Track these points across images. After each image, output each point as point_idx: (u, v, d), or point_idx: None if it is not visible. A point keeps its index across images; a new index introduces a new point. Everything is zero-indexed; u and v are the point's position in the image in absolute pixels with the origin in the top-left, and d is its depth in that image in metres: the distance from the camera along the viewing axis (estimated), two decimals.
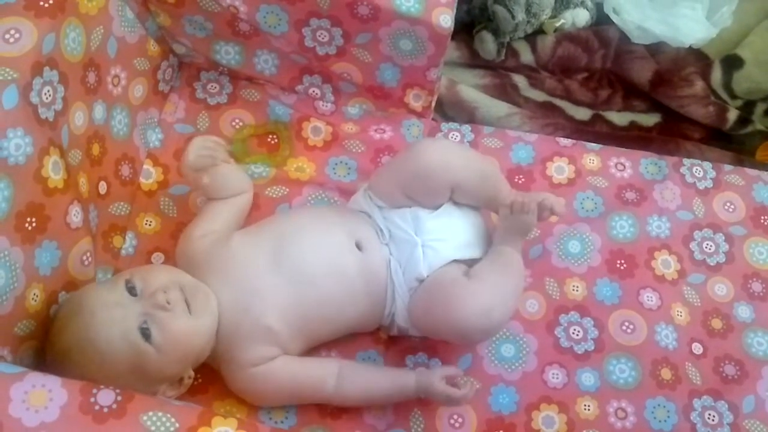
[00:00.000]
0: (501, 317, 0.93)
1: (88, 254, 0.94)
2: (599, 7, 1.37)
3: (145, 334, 0.84)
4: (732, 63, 1.33)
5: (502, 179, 1.05)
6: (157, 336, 0.84)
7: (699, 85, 1.31)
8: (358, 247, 0.98)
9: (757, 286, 1.09)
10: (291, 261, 0.94)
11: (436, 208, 1.00)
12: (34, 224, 0.83)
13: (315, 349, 0.99)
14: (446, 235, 0.99)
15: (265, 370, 0.92)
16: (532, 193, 1.08)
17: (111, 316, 0.84)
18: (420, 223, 0.99)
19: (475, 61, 1.34)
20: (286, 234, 0.97)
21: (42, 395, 0.64)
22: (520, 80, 1.34)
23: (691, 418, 0.99)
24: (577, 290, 1.07)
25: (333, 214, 1.03)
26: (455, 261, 0.98)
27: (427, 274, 0.96)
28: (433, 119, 1.21)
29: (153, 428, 0.63)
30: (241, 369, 0.92)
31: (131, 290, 0.87)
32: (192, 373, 0.92)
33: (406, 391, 0.94)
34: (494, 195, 1.02)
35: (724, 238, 1.13)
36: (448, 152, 1.00)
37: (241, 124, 1.18)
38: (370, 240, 0.99)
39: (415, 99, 1.17)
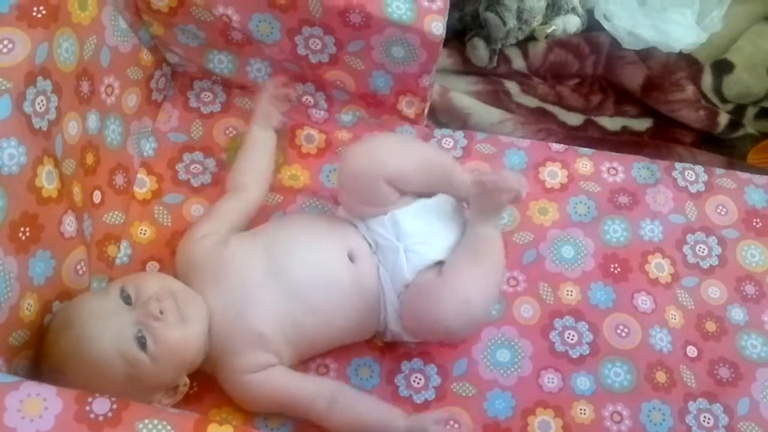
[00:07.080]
0: (481, 305, 0.92)
1: (83, 263, 0.94)
2: (590, 14, 1.38)
3: (141, 343, 0.84)
4: (722, 67, 1.34)
5: (450, 164, 1.03)
6: (152, 345, 0.84)
7: (690, 90, 1.32)
8: (351, 258, 0.98)
9: (750, 289, 1.10)
10: (284, 273, 0.94)
11: (406, 204, 0.99)
12: (27, 234, 0.83)
13: (310, 358, 0.99)
14: (427, 237, 0.98)
15: (260, 378, 0.92)
16: (496, 172, 1.04)
17: (105, 325, 0.84)
18: (399, 228, 0.98)
19: (467, 68, 1.34)
20: (279, 245, 0.97)
21: (37, 404, 0.64)
22: (512, 86, 1.34)
23: (687, 420, 1.00)
24: (571, 295, 1.07)
25: (326, 224, 1.02)
26: (438, 262, 0.97)
27: (413, 278, 0.96)
28: (426, 126, 1.21)
29: None
30: (236, 374, 0.92)
31: (126, 299, 0.87)
32: (187, 381, 0.92)
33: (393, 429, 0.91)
34: (443, 181, 1.00)
35: (716, 241, 1.13)
36: (373, 148, 1.00)
37: (234, 132, 1.18)
38: (361, 250, 0.99)
39: (408, 106, 1.18)
